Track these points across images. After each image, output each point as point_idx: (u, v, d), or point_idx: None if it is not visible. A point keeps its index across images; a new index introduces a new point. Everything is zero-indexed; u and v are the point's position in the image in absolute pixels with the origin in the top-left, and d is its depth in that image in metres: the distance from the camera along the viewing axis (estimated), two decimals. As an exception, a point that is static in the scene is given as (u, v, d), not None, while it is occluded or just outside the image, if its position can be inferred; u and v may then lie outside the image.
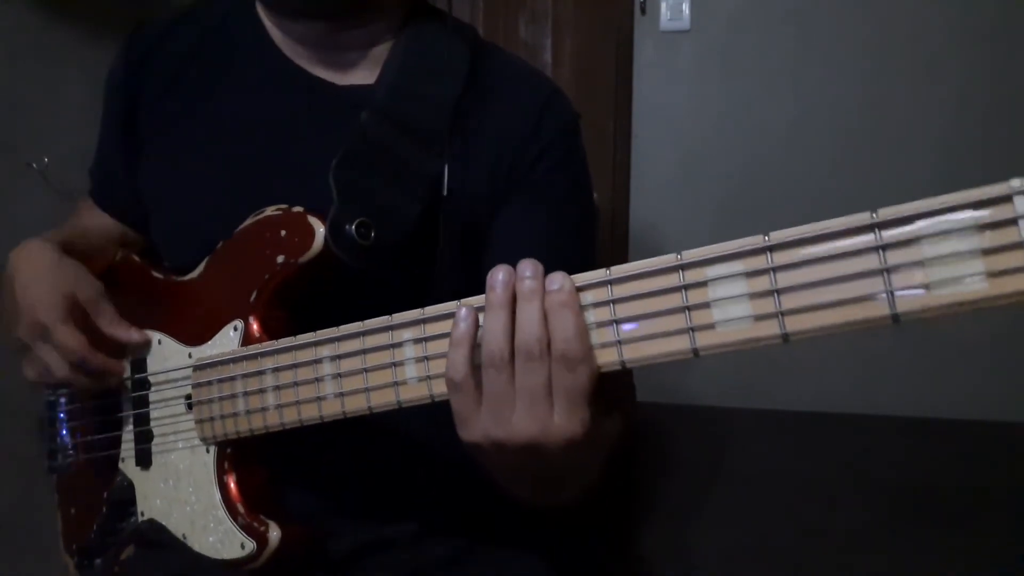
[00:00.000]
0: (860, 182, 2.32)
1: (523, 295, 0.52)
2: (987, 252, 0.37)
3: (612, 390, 0.54)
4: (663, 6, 2.36)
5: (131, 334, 0.82)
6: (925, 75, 2.28)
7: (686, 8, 2.36)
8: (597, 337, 0.51)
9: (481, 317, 0.54)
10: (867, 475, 1.57)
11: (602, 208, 2.04)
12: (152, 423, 0.83)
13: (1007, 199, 0.37)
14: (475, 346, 0.54)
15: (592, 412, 0.52)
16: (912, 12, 2.27)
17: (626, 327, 0.49)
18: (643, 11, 2.36)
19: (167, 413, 0.82)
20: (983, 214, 0.37)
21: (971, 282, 0.37)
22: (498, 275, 0.53)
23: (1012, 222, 0.37)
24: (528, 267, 0.52)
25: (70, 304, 0.79)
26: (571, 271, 0.84)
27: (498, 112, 0.82)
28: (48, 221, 0.97)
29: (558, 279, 0.52)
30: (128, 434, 0.86)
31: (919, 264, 0.39)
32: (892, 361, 2.25)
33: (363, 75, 0.82)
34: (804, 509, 1.42)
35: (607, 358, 0.51)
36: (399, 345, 0.61)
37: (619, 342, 0.50)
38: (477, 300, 0.56)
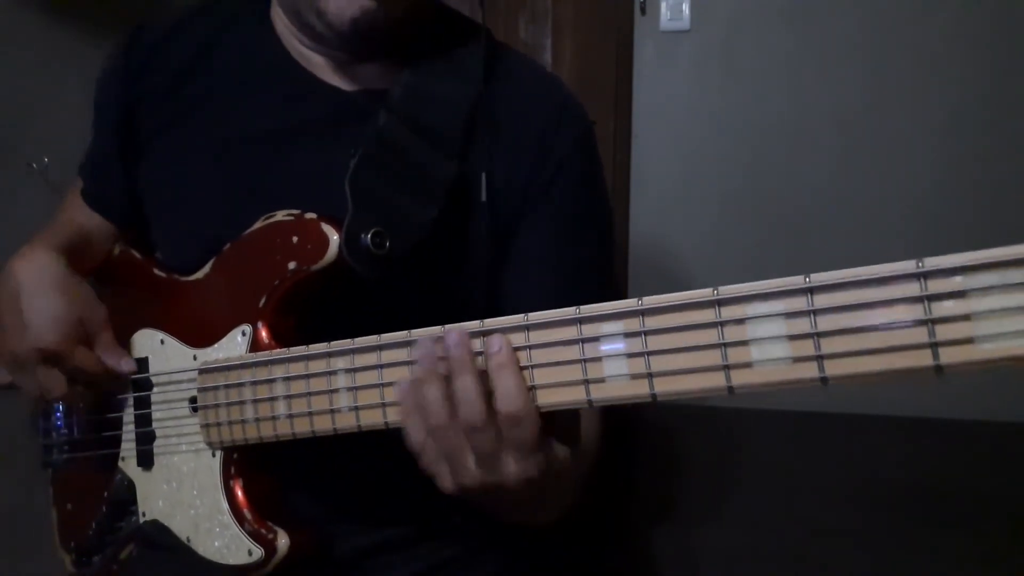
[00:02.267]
0: (860, 181, 2.33)
1: (454, 369, 0.54)
2: (1036, 309, 0.37)
3: (561, 423, 0.58)
4: (663, 6, 2.35)
5: (121, 365, 0.82)
6: (925, 75, 2.29)
7: (686, 8, 2.36)
8: (628, 367, 0.51)
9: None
10: (870, 475, 1.59)
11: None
12: (154, 424, 0.82)
13: (1058, 256, 0.37)
14: (424, 410, 0.57)
15: (544, 453, 0.55)
16: (912, 12, 2.28)
17: (658, 360, 0.49)
18: (643, 11, 2.35)
19: (170, 415, 0.81)
20: (1034, 270, 0.37)
21: (1017, 338, 0.38)
22: (416, 352, 0.56)
23: (1061, 282, 0.37)
24: (453, 337, 0.55)
25: (80, 328, 0.79)
26: (590, 285, 0.83)
27: (512, 120, 0.81)
28: (48, 221, 0.96)
29: (496, 342, 0.54)
30: (129, 433, 0.85)
31: (965, 318, 0.39)
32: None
33: (376, 80, 0.81)
34: (806, 509, 1.43)
35: (637, 390, 0.51)
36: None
37: (651, 375, 0.50)
38: (499, 322, 0.56)
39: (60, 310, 0.77)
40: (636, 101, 2.38)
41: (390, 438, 0.80)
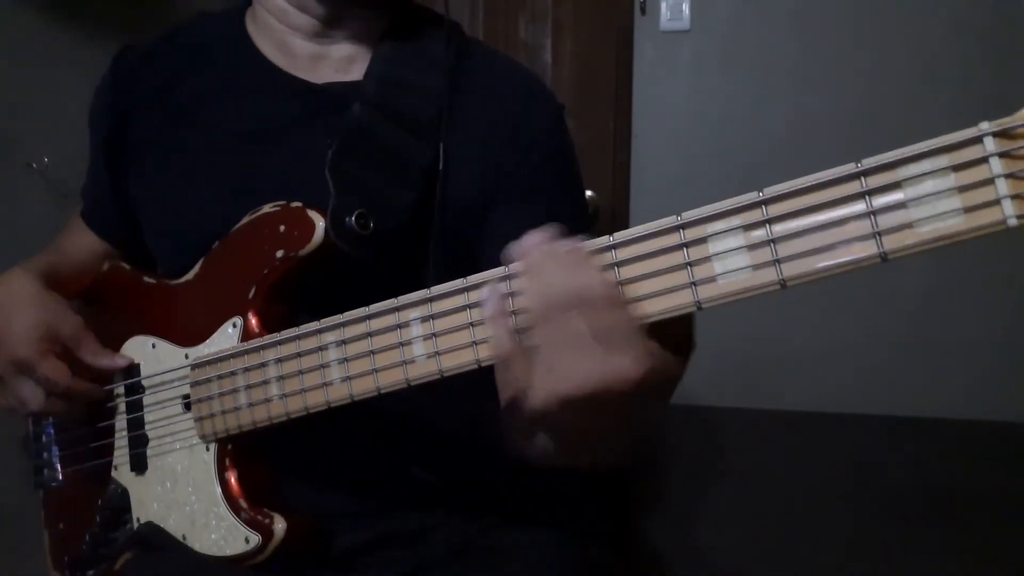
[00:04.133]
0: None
1: (541, 259, 0.58)
2: (963, 189, 0.44)
3: (673, 333, 0.58)
4: (663, 6, 2.43)
5: (115, 361, 0.89)
6: (925, 74, 2.36)
7: (686, 8, 2.44)
8: None
9: (504, 286, 0.61)
10: (867, 475, 1.61)
11: (602, 208, 2.10)
12: (147, 427, 0.87)
13: (977, 140, 0.44)
14: (510, 317, 0.60)
15: (652, 346, 0.55)
16: (912, 12, 2.36)
17: (631, 287, 0.55)
18: (643, 11, 2.43)
19: (163, 415, 0.86)
20: (957, 155, 0.44)
21: (950, 217, 0.44)
22: (518, 247, 0.60)
23: (983, 160, 0.44)
24: (536, 236, 0.59)
25: (51, 338, 0.87)
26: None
27: (483, 107, 0.88)
28: (48, 221, 1.02)
29: (569, 242, 0.58)
30: (121, 440, 0.90)
31: (901, 205, 0.45)
32: (892, 361, 2.32)
33: (348, 74, 0.89)
34: (804, 509, 1.46)
35: None
36: (406, 325, 0.66)
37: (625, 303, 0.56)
38: (484, 276, 0.62)
39: (29, 321, 0.87)
40: (636, 101, 2.45)
41: (391, 432, 0.86)
